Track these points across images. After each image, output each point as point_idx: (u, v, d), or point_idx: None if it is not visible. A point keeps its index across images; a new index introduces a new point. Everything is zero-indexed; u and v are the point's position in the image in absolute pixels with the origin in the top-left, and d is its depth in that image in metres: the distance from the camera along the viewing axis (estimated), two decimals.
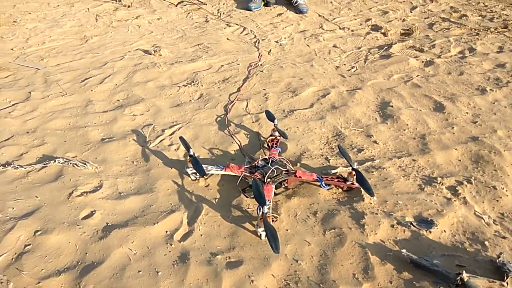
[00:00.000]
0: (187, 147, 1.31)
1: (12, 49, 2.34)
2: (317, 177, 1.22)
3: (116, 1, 3.24)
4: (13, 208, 1.16)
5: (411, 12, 3.05)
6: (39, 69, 2.08)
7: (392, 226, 1.11)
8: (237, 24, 2.82)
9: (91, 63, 2.17)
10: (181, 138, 1.38)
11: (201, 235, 1.09)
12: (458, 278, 0.90)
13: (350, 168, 1.23)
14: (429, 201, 1.20)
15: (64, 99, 1.78)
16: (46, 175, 1.31)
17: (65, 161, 1.34)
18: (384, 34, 2.63)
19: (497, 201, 1.21)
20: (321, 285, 0.94)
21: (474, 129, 1.56)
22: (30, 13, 2.95)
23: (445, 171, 1.34)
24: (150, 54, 2.27)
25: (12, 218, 1.12)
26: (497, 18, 2.86)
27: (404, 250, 1.01)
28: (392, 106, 1.73)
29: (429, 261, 0.97)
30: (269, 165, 1.25)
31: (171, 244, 1.06)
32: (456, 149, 1.44)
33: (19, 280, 0.94)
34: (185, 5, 3.20)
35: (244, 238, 1.08)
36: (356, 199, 1.21)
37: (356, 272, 0.98)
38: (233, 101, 1.77)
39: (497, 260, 0.96)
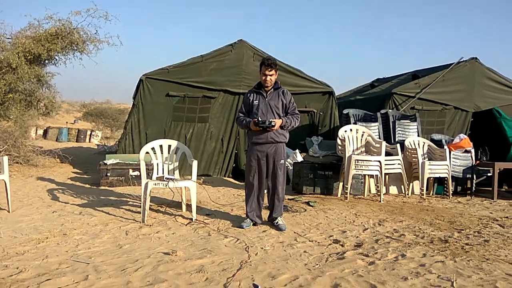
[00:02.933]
0: None
1: (66, 251, 3.18)
2: None
3: (140, 222, 4.28)
4: None
5: (363, 232, 4.09)
6: (88, 263, 2.88)
7: None
8: (232, 236, 3.77)
9: (126, 260, 2.98)
10: None
11: None
12: None
13: None
14: None
15: (111, 280, 2.53)
16: None
17: None
18: (342, 245, 3.57)
19: None
20: None
21: None
22: (75, 229, 3.92)
23: None
24: (169, 255, 3.12)
25: None
26: (426, 236, 3.89)
27: None
28: (341, 286, 2.49)
29: None
30: None
31: None
32: None
33: None
34: (192, 225, 4.23)
35: None
36: None
37: None
38: (232, 277, 2.53)
39: None
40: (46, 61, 8.00)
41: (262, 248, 3.43)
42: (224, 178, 7.95)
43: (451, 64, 8.30)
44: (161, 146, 4.79)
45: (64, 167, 8.41)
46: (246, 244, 3.52)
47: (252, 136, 4.14)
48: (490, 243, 3.62)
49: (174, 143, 4.85)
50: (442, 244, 3.58)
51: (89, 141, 19.51)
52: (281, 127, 4.09)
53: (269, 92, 4.11)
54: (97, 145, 16.30)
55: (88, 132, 20.49)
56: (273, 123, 3.90)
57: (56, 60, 8.23)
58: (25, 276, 2.60)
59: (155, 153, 4.75)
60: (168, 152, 4.79)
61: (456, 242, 3.66)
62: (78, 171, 8.24)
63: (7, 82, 7.22)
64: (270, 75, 4.04)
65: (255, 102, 4.10)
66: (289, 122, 4.09)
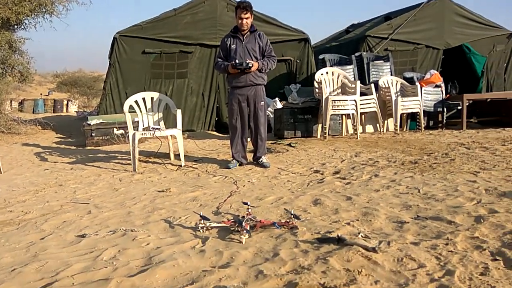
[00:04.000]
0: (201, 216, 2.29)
1: (65, 197, 3.38)
2: (273, 222, 2.20)
3: (132, 171, 4.48)
4: None
5: (341, 163, 4.40)
6: (88, 203, 3.09)
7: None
8: (220, 175, 4.03)
9: (124, 198, 3.21)
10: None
11: None
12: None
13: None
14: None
15: (113, 212, 2.76)
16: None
17: (125, 230, 2.26)
18: (322, 174, 3.88)
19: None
20: None
21: (368, 204, 2.62)
22: (69, 181, 4.10)
23: (345, 216, 2.33)
24: (163, 191, 3.36)
25: None
26: (398, 161, 4.23)
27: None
28: (320, 200, 2.79)
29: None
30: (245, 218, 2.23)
31: None
32: (354, 212, 2.47)
33: None
34: (182, 170, 4.47)
35: None
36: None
37: None
38: (223, 202, 2.80)
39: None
40: (16, 26, 7.77)
41: (249, 181, 3.71)
42: (208, 131, 8.14)
43: (422, 3, 8.44)
44: (143, 98, 4.90)
45: (47, 133, 8.42)
46: (234, 180, 3.78)
47: (231, 80, 4.29)
48: (455, 161, 3.98)
49: (156, 95, 4.97)
50: (412, 165, 3.93)
51: (67, 111, 19.18)
52: (259, 70, 4.24)
53: (245, 36, 4.23)
54: (76, 112, 16.11)
55: (65, 102, 20.08)
56: (250, 65, 4.06)
57: (26, 24, 8.00)
58: (31, 216, 2.81)
59: (138, 106, 4.87)
60: (151, 104, 4.91)
61: (425, 162, 4.02)
62: (62, 136, 8.27)
63: None
64: (246, 18, 4.13)
65: (232, 46, 4.22)
66: (265, 64, 4.25)
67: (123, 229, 2.29)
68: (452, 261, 1.64)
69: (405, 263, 1.64)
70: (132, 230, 2.27)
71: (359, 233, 1.97)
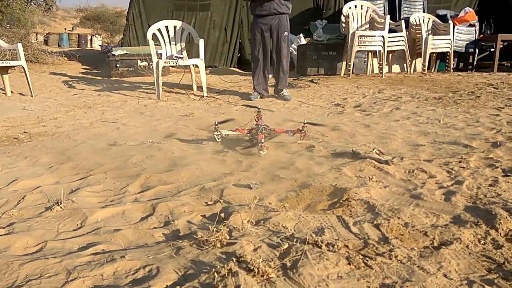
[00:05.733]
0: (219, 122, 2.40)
1: (94, 117, 3.55)
2: (286, 130, 2.29)
3: (156, 99, 4.60)
4: None
5: (363, 98, 4.38)
6: (116, 122, 3.24)
7: None
8: (241, 105, 4.10)
9: (149, 120, 3.35)
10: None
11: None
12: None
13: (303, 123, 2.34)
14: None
15: (139, 129, 2.90)
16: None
17: (151, 141, 2.40)
18: (342, 107, 3.89)
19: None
20: None
21: (386, 131, 2.66)
22: (97, 104, 4.27)
23: (362, 140, 2.39)
24: (187, 116, 3.47)
25: None
26: (422, 97, 4.17)
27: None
28: (339, 127, 2.85)
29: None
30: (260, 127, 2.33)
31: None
32: (371, 136, 2.52)
33: None
34: (204, 100, 4.55)
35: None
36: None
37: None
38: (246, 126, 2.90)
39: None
40: None
41: (269, 110, 3.77)
42: (230, 68, 8.11)
43: None
44: (166, 27, 4.88)
45: (73, 64, 8.57)
46: (257, 107, 3.85)
47: (255, 7, 4.20)
48: (480, 98, 3.90)
49: (179, 23, 4.94)
50: (436, 100, 3.88)
51: (91, 46, 19.25)
52: None
53: None
54: (100, 46, 16.15)
55: (89, 37, 20.08)
56: None
57: None
58: (63, 130, 2.98)
59: (161, 35, 4.87)
60: (174, 33, 4.90)
61: (449, 99, 3.96)
62: (87, 67, 8.42)
63: None
64: None
65: None
66: None
67: (150, 141, 2.42)
68: (463, 174, 1.70)
69: (416, 174, 1.72)
70: (158, 142, 2.40)
71: (373, 149, 2.04)
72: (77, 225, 1.30)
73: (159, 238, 1.19)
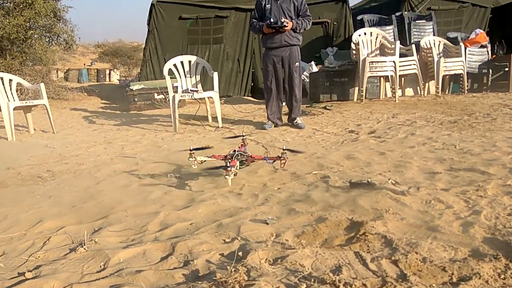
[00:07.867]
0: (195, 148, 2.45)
1: (114, 152, 3.65)
2: (264, 157, 2.33)
3: (173, 131, 4.71)
4: None
5: (377, 124, 4.39)
6: (135, 157, 3.33)
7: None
8: (256, 135, 4.16)
9: (167, 153, 3.43)
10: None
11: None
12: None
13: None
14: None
15: (158, 163, 2.98)
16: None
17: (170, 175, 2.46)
18: (357, 133, 3.91)
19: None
20: None
21: (401, 158, 2.66)
22: (117, 139, 4.39)
23: (377, 168, 2.40)
24: (205, 148, 3.54)
25: None
26: (437, 121, 4.16)
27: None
28: (353, 155, 2.86)
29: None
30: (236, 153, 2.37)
31: None
32: (387, 164, 2.52)
33: None
34: (219, 131, 4.64)
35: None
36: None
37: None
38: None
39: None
40: None
41: (283, 140, 3.81)
42: (244, 97, 8.26)
43: None
44: (182, 62, 5.05)
45: (93, 99, 8.87)
46: (269, 139, 3.91)
47: (266, 40, 4.33)
48: (497, 120, 3.87)
49: (193, 58, 5.10)
50: (451, 124, 3.86)
51: (109, 80, 19.89)
52: (293, 30, 4.24)
53: None
54: (119, 80, 16.68)
55: (107, 71, 20.79)
56: (285, 23, 4.06)
57: None
58: (85, 167, 3.08)
59: (177, 70, 5.03)
60: (189, 67, 5.06)
61: (465, 122, 3.94)
62: (106, 102, 8.69)
63: (26, 18, 7.45)
64: None
65: (267, 6, 4.23)
66: (300, 24, 4.24)
67: (169, 175, 2.48)
68: (480, 203, 1.69)
69: (433, 204, 1.71)
70: (176, 177, 2.46)
71: (389, 180, 2.05)
72: (100, 266, 1.34)
73: (179, 279, 1.22)
